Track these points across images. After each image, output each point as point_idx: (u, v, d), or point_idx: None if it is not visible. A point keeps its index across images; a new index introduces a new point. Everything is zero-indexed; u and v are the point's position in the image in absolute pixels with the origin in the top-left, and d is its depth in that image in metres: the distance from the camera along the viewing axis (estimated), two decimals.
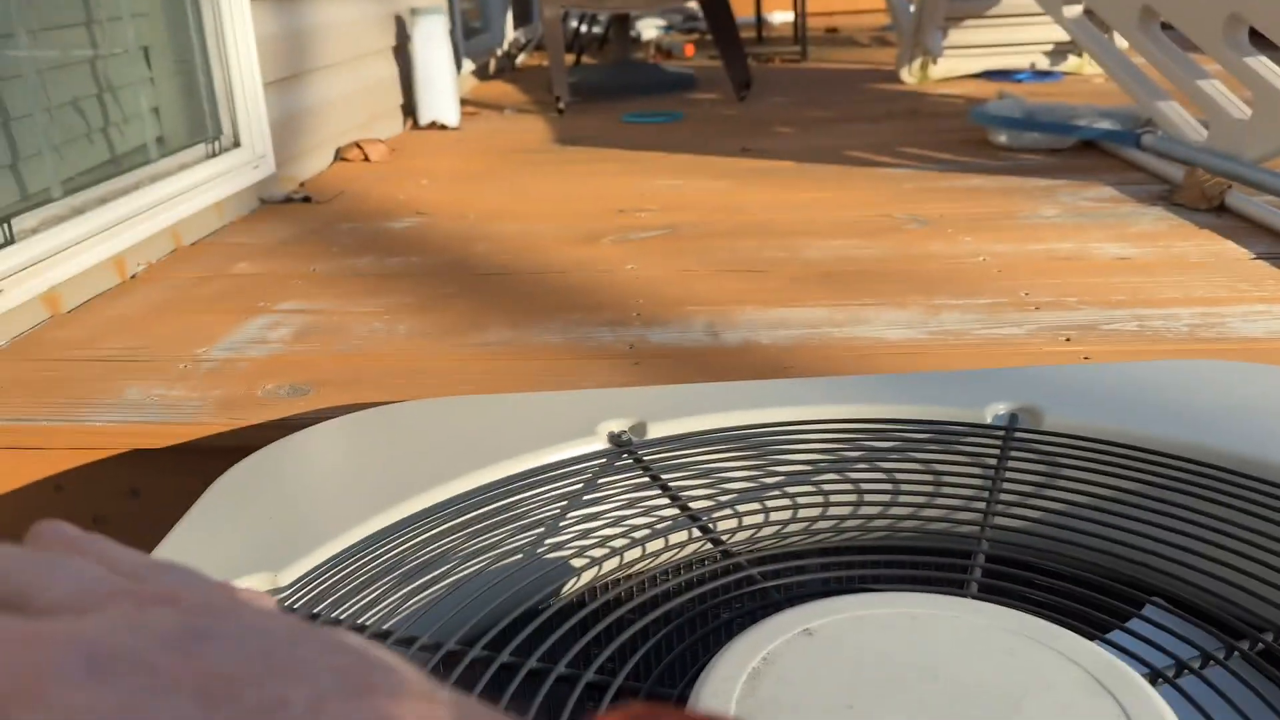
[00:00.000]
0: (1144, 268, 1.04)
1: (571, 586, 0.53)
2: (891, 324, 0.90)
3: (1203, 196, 1.26)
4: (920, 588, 0.44)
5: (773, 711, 0.36)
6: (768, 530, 0.57)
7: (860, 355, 0.84)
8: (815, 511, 0.58)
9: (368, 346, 0.89)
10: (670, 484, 0.57)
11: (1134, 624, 0.45)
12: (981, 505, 0.54)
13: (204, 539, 0.53)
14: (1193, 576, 0.47)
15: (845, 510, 0.58)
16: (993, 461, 0.58)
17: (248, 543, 0.52)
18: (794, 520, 0.57)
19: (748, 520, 0.57)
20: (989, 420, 0.63)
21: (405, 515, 0.55)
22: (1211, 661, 0.40)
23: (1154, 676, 0.40)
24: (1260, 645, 0.41)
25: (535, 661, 0.42)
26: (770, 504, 0.59)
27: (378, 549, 0.51)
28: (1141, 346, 0.83)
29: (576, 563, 0.53)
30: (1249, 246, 1.09)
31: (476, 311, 0.96)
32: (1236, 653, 0.41)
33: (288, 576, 0.50)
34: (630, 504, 0.56)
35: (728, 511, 0.57)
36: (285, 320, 0.96)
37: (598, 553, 0.54)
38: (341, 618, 0.46)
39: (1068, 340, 0.85)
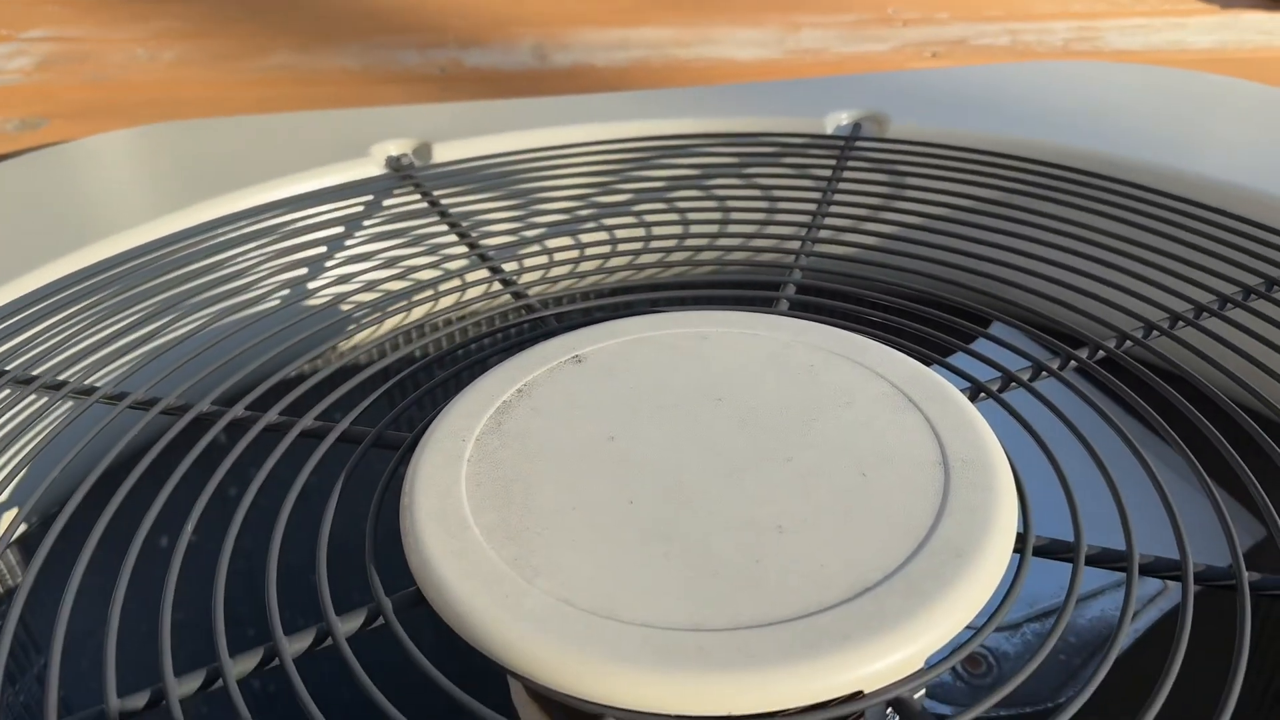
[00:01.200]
0: None
1: (333, 335, 0.45)
2: (744, 43, 0.80)
3: None
4: (722, 307, 0.37)
5: (517, 448, 0.29)
6: (576, 268, 0.49)
7: (705, 76, 0.74)
8: (635, 246, 0.50)
9: (123, 75, 0.74)
10: (458, 216, 0.48)
11: (977, 344, 0.39)
12: (807, 223, 0.46)
13: None
14: (1046, 289, 0.41)
15: (667, 245, 0.50)
16: (826, 175, 0.50)
17: None
18: (610, 256, 0.49)
19: (554, 258, 0.49)
20: (830, 131, 0.55)
21: (120, 250, 0.45)
22: (1044, 374, 0.35)
23: (975, 391, 0.34)
24: (1100, 353, 0.36)
25: (275, 416, 0.34)
26: (581, 238, 0.50)
27: (77, 291, 0.41)
28: (1013, 60, 0.75)
29: (342, 308, 0.45)
30: None
31: (260, 35, 0.82)
32: (1074, 362, 0.35)
33: None
34: (410, 241, 0.47)
35: (530, 249, 0.49)
36: (28, 49, 0.80)
37: (361, 299, 0.45)
38: (9, 368, 0.36)
39: (934, 55, 0.76)
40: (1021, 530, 0.28)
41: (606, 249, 0.49)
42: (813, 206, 0.47)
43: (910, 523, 0.26)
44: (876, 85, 0.57)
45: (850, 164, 0.51)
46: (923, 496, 0.27)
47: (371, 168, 0.51)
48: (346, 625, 0.26)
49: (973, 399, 0.33)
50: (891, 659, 0.23)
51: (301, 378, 0.37)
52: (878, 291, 0.40)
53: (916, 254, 0.43)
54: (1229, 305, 0.37)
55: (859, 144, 0.52)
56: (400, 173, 0.50)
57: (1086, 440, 0.30)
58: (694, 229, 0.50)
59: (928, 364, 0.34)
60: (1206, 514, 0.30)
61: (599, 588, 0.25)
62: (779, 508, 0.27)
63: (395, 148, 0.52)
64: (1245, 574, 0.26)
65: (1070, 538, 0.28)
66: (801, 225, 0.46)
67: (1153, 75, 0.61)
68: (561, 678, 0.23)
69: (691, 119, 0.54)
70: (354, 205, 0.48)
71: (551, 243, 0.49)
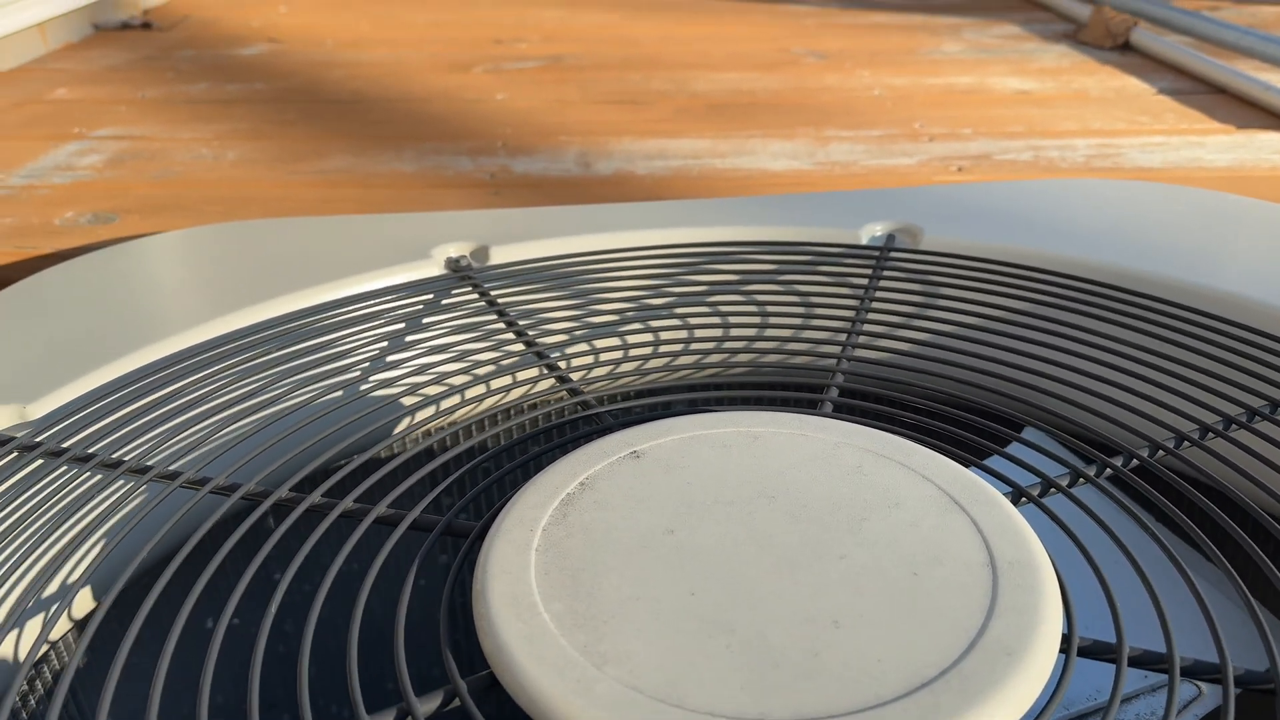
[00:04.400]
0: (1043, 101, 0.99)
1: (399, 428, 0.47)
2: (777, 155, 0.84)
3: (1108, 34, 1.21)
4: (769, 407, 0.39)
5: (582, 539, 0.31)
6: (624, 366, 0.51)
7: (741, 186, 0.77)
8: (678, 346, 0.53)
9: (188, 173, 0.78)
10: (513, 315, 0.50)
11: (1011, 449, 0.41)
12: (847, 328, 0.48)
13: None
14: (1076, 397, 0.43)
15: (709, 345, 0.52)
16: (863, 283, 0.52)
17: None
18: (655, 355, 0.52)
19: (603, 357, 0.51)
20: (864, 242, 0.57)
21: (198, 342, 0.47)
22: (1081, 480, 0.37)
23: (1017, 495, 0.35)
24: (1134, 461, 0.37)
25: (351, 502, 0.36)
26: (629, 338, 0.53)
27: (153, 381, 0.43)
28: (1036, 175, 0.79)
29: (406, 402, 0.47)
30: (1152, 82, 1.05)
31: (318, 138, 0.86)
32: (1109, 470, 0.37)
33: (40, 409, 0.42)
34: (467, 337, 0.49)
35: (580, 346, 0.51)
36: (100, 147, 0.85)
37: (429, 391, 0.47)
38: (92, 452, 0.39)
39: (959, 170, 0.80)
40: (1066, 631, 0.29)
41: (652, 349, 0.51)
42: (851, 313, 0.50)
43: (962, 621, 0.28)
44: (909, 199, 0.60)
45: (886, 273, 0.53)
46: (972, 596, 0.28)
47: (433, 268, 0.54)
48: (425, 706, 0.27)
49: (1014, 503, 0.35)
50: None
51: (360, 471, 0.38)
52: (916, 395, 0.42)
53: (951, 360, 0.45)
54: (1257, 418, 0.39)
55: (894, 254, 0.54)
56: (459, 273, 0.53)
57: (1125, 545, 0.32)
58: (735, 331, 0.53)
59: (966, 466, 0.35)
60: (1240, 621, 0.31)
61: (665, 675, 0.26)
62: (835, 603, 0.28)
63: (455, 250, 0.55)
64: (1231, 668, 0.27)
65: (1111, 639, 0.29)
66: (842, 330, 0.48)
67: (1173, 194, 0.64)
68: None
69: (733, 227, 0.57)
70: (416, 303, 0.50)
71: (602, 341, 0.51)
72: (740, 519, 0.32)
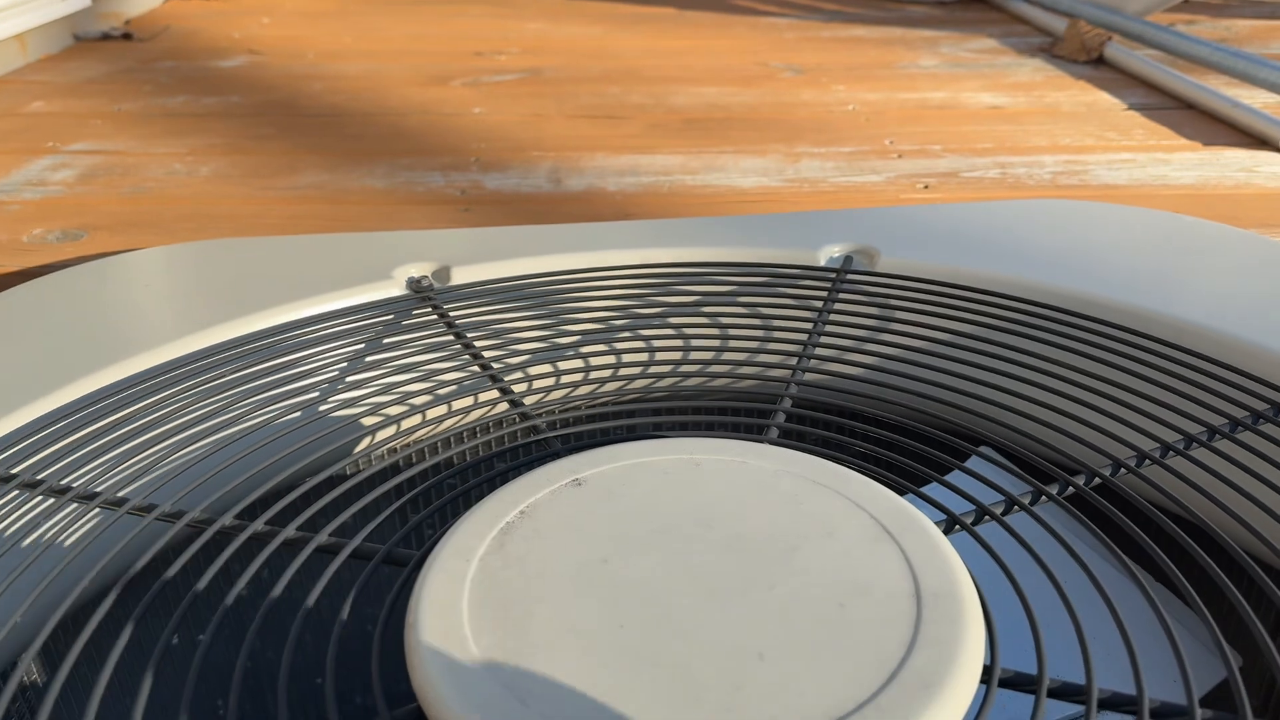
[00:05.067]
0: (1014, 116, 0.99)
1: (354, 451, 0.47)
2: (747, 171, 0.85)
3: (1082, 48, 1.22)
4: (715, 434, 0.40)
5: (518, 569, 0.31)
6: (579, 391, 0.51)
7: (710, 203, 0.78)
8: (636, 368, 0.53)
9: (160, 189, 0.79)
10: (470, 336, 0.51)
11: (954, 476, 0.41)
12: (799, 351, 0.49)
13: None
14: (1021, 424, 0.44)
15: (666, 366, 0.53)
16: (819, 305, 0.53)
17: None
18: (612, 378, 0.52)
19: (560, 379, 0.52)
20: (822, 263, 0.58)
21: (151, 365, 0.47)
22: (1015, 507, 0.37)
23: (951, 523, 0.36)
24: (1070, 489, 0.38)
25: (294, 531, 0.36)
26: (584, 358, 0.53)
27: (110, 404, 0.44)
28: (1002, 193, 0.79)
29: (363, 424, 0.47)
30: (1123, 97, 1.06)
31: (292, 153, 0.87)
32: (1044, 497, 0.38)
33: None
34: (424, 359, 0.49)
35: (539, 368, 0.51)
36: (72, 162, 0.85)
37: (380, 415, 0.47)
38: (41, 478, 0.39)
39: (925, 188, 0.80)
40: (988, 663, 0.29)
41: (610, 370, 0.52)
42: (804, 336, 0.50)
43: (883, 653, 0.28)
44: (868, 220, 0.61)
45: (842, 295, 0.54)
46: (896, 628, 0.29)
47: (394, 288, 0.54)
48: None
49: (947, 531, 0.35)
50: None
51: (309, 495, 0.39)
52: (864, 421, 0.43)
53: (902, 385, 0.45)
54: (1194, 445, 0.40)
55: (850, 276, 0.55)
56: (420, 294, 0.54)
57: (1051, 574, 0.32)
58: (694, 354, 0.53)
59: (904, 494, 0.36)
60: (1184, 644, 0.32)
61: (588, 712, 0.26)
62: (761, 635, 0.29)
63: (417, 270, 0.55)
64: (1199, 712, 0.27)
65: (1034, 671, 0.29)
66: (793, 355, 0.48)
67: (1134, 216, 0.65)
68: None
69: (695, 248, 0.57)
70: (375, 324, 0.51)
71: (561, 364, 0.51)
72: (675, 549, 0.32)
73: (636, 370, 0.52)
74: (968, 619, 0.29)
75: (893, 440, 0.41)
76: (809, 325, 0.51)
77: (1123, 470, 0.39)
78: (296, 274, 0.55)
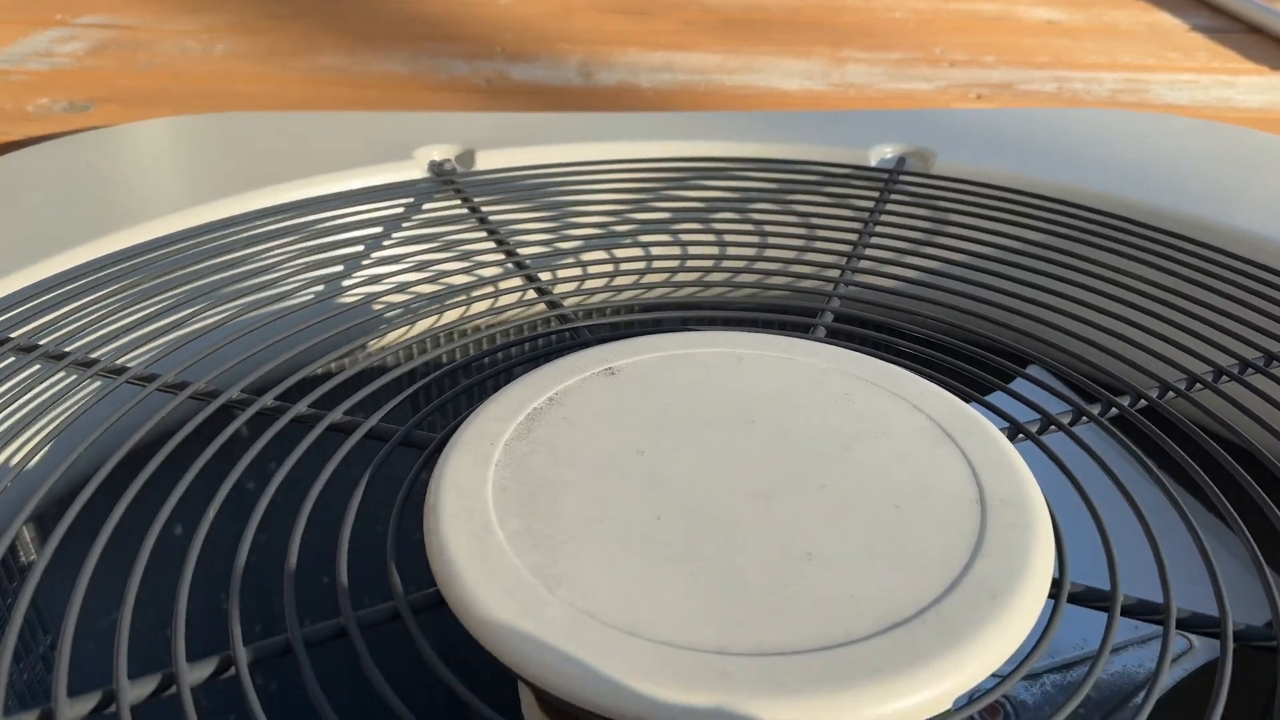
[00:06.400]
0: (1070, 32, 0.94)
1: (369, 336, 0.45)
2: (790, 74, 0.80)
3: None
4: (758, 329, 0.37)
5: (544, 455, 0.29)
6: (610, 283, 0.48)
7: (750, 104, 0.74)
8: (671, 264, 0.50)
9: (174, 65, 0.75)
10: (498, 224, 0.48)
11: (1015, 384, 0.38)
12: (848, 252, 0.46)
13: None
14: (1085, 333, 0.40)
15: (702, 265, 0.49)
16: (868, 207, 0.50)
17: None
18: (647, 272, 0.49)
19: (589, 271, 0.49)
20: (873, 164, 0.54)
21: (157, 235, 0.45)
22: (1084, 419, 0.34)
23: (1014, 432, 0.33)
24: (1141, 402, 0.35)
25: (305, 408, 0.34)
26: (618, 253, 0.50)
27: (113, 272, 0.41)
28: (1059, 106, 0.75)
29: (378, 308, 0.45)
30: (1185, 18, 1.00)
31: (311, 33, 0.82)
32: (1114, 410, 0.35)
33: None
34: (447, 245, 0.46)
35: (566, 260, 0.48)
36: (81, 34, 0.81)
37: (398, 300, 0.45)
38: (40, 344, 0.36)
39: (979, 97, 0.76)
40: (1057, 575, 0.27)
41: (642, 265, 0.49)
42: (854, 236, 0.47)
43: (944, 559, 0.26)
44: (923, 121, 0.57)
45: (894, 197, 0.50)
46: (958, 533, 0.26)
47: (414, 171, 0.51)
48: (363, 619, 0.25)
49: (1011, 439, 0.33)
50: (920, 697, 0.22)
51: (330, 374, 0.36)
52: (916, 325, 0.40)
53: (956, 290, 0.42)
54: (1276, 363, 0.37)
55: (903, 178, 0.51)
56: (442, 177, 0.50)
57: (1126, 489, 0.30)
58: (731, 251, 0.50)
59: (965, 400, 0.33)
60: (1245, 575, 0.29)
61: (622, 603, 0.24)
62: (810, 534, 0.26)
63: (439, 153, 0.52)
64: (1231, 624, 0.25)
65: (1106, 587, 0.27)
66: (842, 254, 0.45)
67: (1201, 129, 0.61)
68: (580, 690, 0.22)
69: (735, 143, 0.54)
70: (394, 206, 0.48)
71: (588, 256, 0.48)
72: (716, 443, 0.30)
73: (672, 265, 0.49)
74: (1037, 528, 0.27)
75: (947, 345, 0.39)
76: (858, 227, 0.48)
77: (1197, 386, 0.36)
78: (310, 150, 0.51)
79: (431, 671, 0.24)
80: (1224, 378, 0.36)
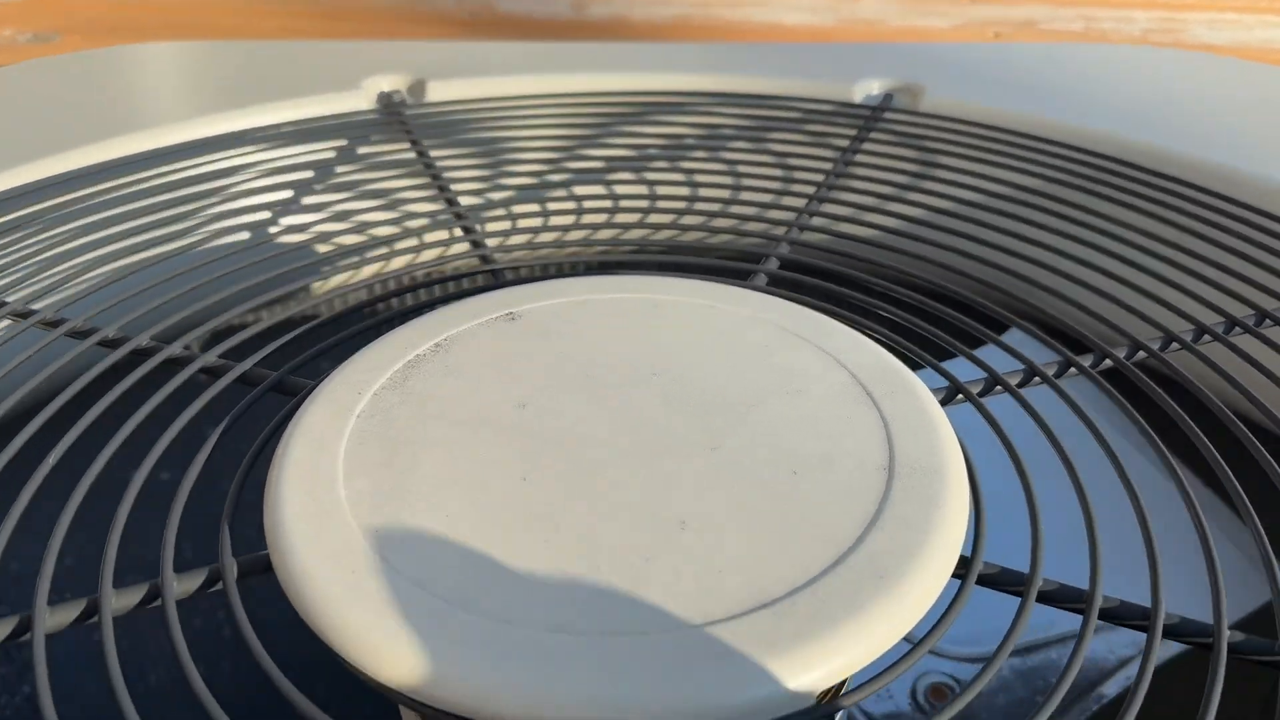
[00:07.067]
0: None
1: (289, 283, 0.42)
2: (796, 7, 0.75)
3: None
4: (689, 275, 0.34)
5: (414, 407, 0.26)
6: (550, 234, 0.45)
7: (743, 39, 0.69)
8: (623, 207, 0.47)
9: None
10: (439, 164, 0.45)
11: (986, 350, 0.35)
12: (810, 193, 0.42)
13: None
14: (1062, 287, 0.36)
15: (664, 206, 0.46)
16: (843, 145, 0.46)
17: None
18: (594, 213, 0.46)
19: (529, 213, 0.46)
20: (858, 100, 0.50)
21: (77, 167, 0.42)
22: (1035, 379, 0.31)
23: (953, 391, 0.30)
24: (1107, 362, 0.32)
25: (215, 358, 0.32)
26: (574, 194, 0.47)
27: (33, 213, 0.39)
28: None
29: (305, 255, 0.42)
30: None
31: None
32: (1073, 369, 0.31)
33: None
34: (387, 187, 0.44)
35: (504, 201, 0.45)
36: None
37: (327, 245, 0.42)
38: None
39: (997, 36, 0.71)
40: (969, 554, 0.24)
41: (590, 208, 0.45)
42: (819, 178, 0.43)
43: (834, 533, 0.23)
44: (915, 55, 0.53)
45: (873, 135, 0.46)
46: (856, 504, 0.23)
47: (361, 101, 0.48)
48: (181, 586, 0.23)
49: (947, 400, 0.29)
50: (772, 689, 0.20)
51: (245, 325, 0.34)
52: (870, 274, 0.36)
53: (927, 238, 0.39)
54: (1268, 322, 0.33)
55: (887, 115, 0.47)
56: (389, 110, 0.47)
57: (1068, 458, 0.26)
58: (699, 192, 0.47)
59: (915, 365, 0.30)
60: (1227, 559, 0.26)
61: (463, 573, 0.22)
62: (688, 502, 0.23)
63: (389, 83, 0.49)
64: (1227, 633, 0.22)
65: (1025, 569, 0.24)
66: (802, 196, 0.42)
67: (1235, 69, 0.55)
68: (391, 671, 0.20)
69: (705, 75, 0.50)
70: (334, 143, 0.45)
71: (530, 197, 0.45)
72: (607, 398, 0.27)
73: (620, 213, 0.46)
74: (947, 499, 0.24)
75: (903, 298, 0.35)
76: (827, 168, 0.44)
77: (1175, 346, 0.32)
78: (249, 79, 0.49)
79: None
80: (1205, 337, 0.32)
